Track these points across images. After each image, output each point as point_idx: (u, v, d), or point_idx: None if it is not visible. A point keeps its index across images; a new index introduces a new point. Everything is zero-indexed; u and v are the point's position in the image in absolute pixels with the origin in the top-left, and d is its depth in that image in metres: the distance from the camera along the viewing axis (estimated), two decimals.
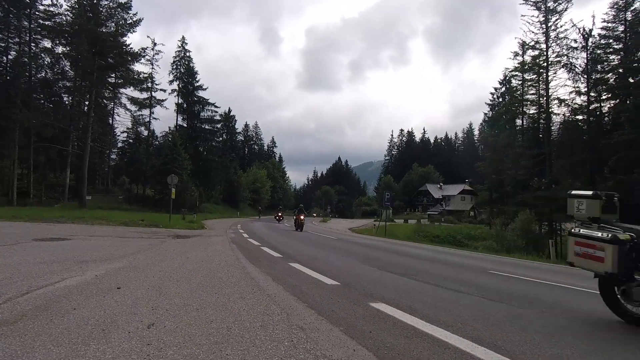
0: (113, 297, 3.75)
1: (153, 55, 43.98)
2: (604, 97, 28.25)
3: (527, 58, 32.45)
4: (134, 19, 36.54)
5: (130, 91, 43.16)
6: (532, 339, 3.16)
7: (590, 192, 3.98)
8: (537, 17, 30.24)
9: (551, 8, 29.70)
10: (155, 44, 44.61)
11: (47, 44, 34.72)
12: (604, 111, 28.82)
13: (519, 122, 36.68)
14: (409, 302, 4.27)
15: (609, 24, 27.50)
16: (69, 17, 34.57)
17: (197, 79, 53.77)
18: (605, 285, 3.97)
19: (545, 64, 30.30)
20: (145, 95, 45.43)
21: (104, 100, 43.50)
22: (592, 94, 27.85)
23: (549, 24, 29.79)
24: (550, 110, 30.67)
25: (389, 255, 11.42)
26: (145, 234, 12.79)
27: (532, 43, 31.04)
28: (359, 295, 4.54)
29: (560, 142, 30.61)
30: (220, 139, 63.45)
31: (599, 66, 28.12)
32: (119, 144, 54.29)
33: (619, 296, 3.83)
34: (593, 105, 28.07)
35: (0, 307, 3.16)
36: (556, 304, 4.90)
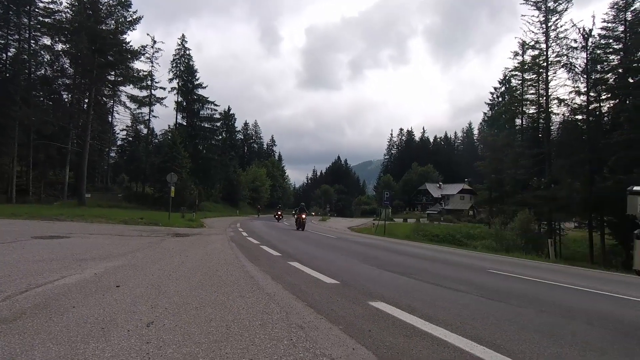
0: (112, 295, 3.75)
1: (153, 53, 43.98)
2: (603, 97, 28.25)
3: (527, 58, 32.51)
4: (134, 17, 36.58)
5: (130, 89, 43.25)
6: (531, 337, 3.16)
7: None
8: (537, 17, 30.27)
9: (551, 8, 29.71)
10: (155, 42, 44.62)
11: (47, 41, 34.74)
12: (603, 111, 28.81)
13: (518, 121, 36.71)
14: (408, 301, 4.27)
15: (609, 24, 27.47)
16: (68, 15, 34.58)
17: (196, 77, 53.76)
18: None
19: (545, 63, 30.31)
20: (144, 93, 45.55)
21: (104, 98, 43.47)
22: (592, 94, 27.85)
23: (549, 24, 29.81)
24: (549, 110, 30.70)
25: (388, 254, 11.43)
26: (144, 232, 12.78)
27: (532, 43, 31.08)
28: (358, 294, 4.54)
29: (559, 142, 30.63)
30: (220, 137, 63.42)
31: (598, 66, 28.10)
32: (119, 142, 54.32)
33: None
34: (592, 105, 28.06)
35: None
36: (555, 303, 4.91)
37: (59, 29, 33.97)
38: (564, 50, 29.18)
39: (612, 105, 28.17)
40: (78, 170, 35.37)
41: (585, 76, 27.84)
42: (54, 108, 36.91)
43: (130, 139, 52.82)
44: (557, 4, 29.47)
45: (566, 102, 28.89)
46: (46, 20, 33.84)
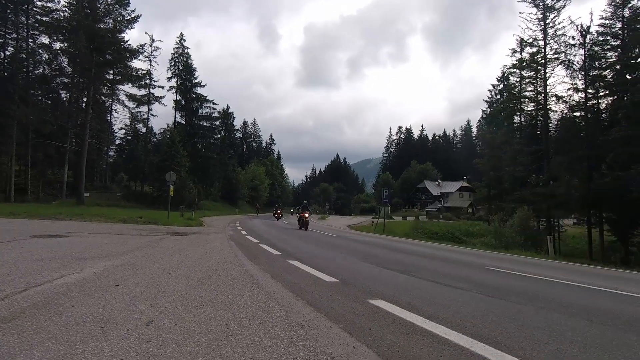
0: (111, 294, 3.74)
1: (151, 52, 43.94)
2: (601, 93, 28.25)
3: (525, 55, 32.49)
4: (132, 16, 36.51)
5: (129, 88, 43.21)
6: (531, 334, 3.16)
7: None
8: (536, 14, 30.22)
9: (549, 5, 29.67)
10: (153, 41, 44.59)
11: (45, 40, 34.65)
12: (601, 108, 28.82)
13: (517, 119, 36.74)
14: (408, 298, 4.28)
15: (607, 21, 27.45)
16: (66, 13, 34.52)
17: (195, 76, 53.66)
18: None
19: (543, 61, 30.30)
20: (143, 92, 45.52)
21: (102, 97, 43.36)
22: (590, 91, 27.86)
23: (547, 21, 29.77)
24: (548, 107, 30.69)
25: (387, 252, 11.43)
26: (143, 231, 12.76)
27: (530, 40, 31.03)
28: (358, 292, 4.54)
29: (558, 139, 30.67)
30: (219, 136, 63.34)
31: (596, 63, 28.09)
32: (117, 141, 54.10)
33: None
34: (591, 102, 28.07)
35: None
36: (555, 300, 4.91)
37: (57, 27, 33.88)
38: (562, 48, 29.20)
39: (610, 102, 28.19)
40: (77, 169, 35.29)
41: (583, 73, 27.85)
42: (53, 107, 36.76)
43: (129, 137, 52.64)
44: (555, 1, 29.47)
45: (564, 99, 28.92)
46: (44, 18, 33.71)
